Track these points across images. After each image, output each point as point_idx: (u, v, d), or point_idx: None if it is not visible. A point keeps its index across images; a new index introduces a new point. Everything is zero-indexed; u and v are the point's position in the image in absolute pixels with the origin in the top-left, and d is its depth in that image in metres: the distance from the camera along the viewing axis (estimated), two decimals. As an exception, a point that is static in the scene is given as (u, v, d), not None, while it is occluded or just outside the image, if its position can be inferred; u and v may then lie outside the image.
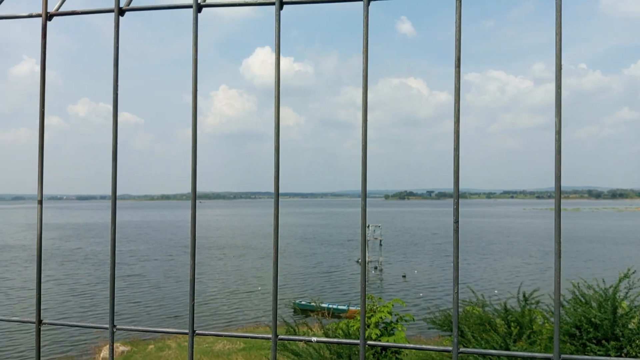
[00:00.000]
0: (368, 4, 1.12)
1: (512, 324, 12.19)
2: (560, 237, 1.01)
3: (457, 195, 1.04)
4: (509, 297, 14.26)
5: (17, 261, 63.09)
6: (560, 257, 1.01)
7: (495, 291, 41.98)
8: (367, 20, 1.09)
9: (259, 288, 47.45)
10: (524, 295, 13.29)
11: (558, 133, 1.02)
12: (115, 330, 1.24)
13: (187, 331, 1.20)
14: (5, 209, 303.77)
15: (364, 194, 1.09)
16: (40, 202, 1.30)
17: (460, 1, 1.06)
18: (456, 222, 1.04)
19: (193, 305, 1.18)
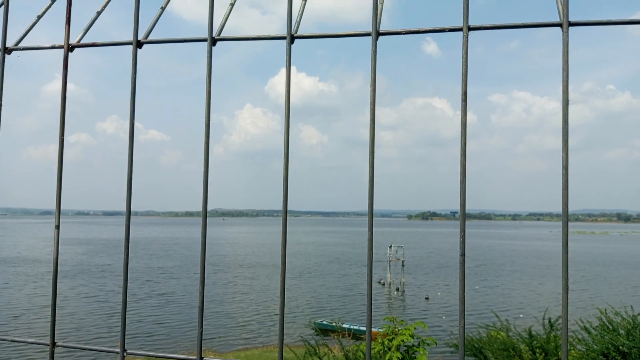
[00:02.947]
0: (377, 39, 1.14)
1: (537, 350, 11.91)
2: (567, 273, 1.00)
3: (463, 227, 1.04)
4: (534, 324, 13.94)
5: (49, 277, 63.79)
6: (567, 292, 1.00)
7: (520, 315, 41.05)
8: (376, 54, 1.11)
9: (279, 307, 47.30)
10: (549, 321, 12.98)
11: (565, 168, 1.02)
12: (125, 354, 1.26)
13: (195, 357, 1.22)
14: (34, 223, 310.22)
15: (371, 224, 1.11)
16: (57, 227, 1.34)
17: (467, 37, 1.08)
18: (462, 255, 1.04)
19: (201, 332, 1.20)
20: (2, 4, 1.67)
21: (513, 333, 13.68)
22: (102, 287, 56.80)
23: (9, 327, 37.82)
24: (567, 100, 1.07)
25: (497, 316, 15.49)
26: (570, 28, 1.17)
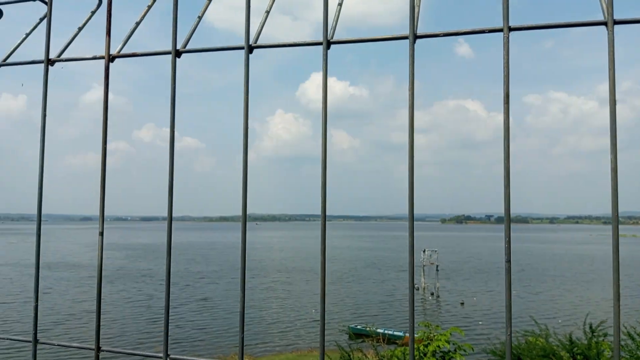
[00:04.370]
0: (414, 42, 1.13)
1: (578, 357, 11.57)
2: (618, 280, 0.96)
3: (508, 233, 1.02)
4: (574, 330, 13.55)
5: (94, 281, 64.78)
6: (619, 300, 0.96)
7: (559, 320, 39.96)
8: (413, 58, 1.10)
9: (313, 311, 47.41)
10: (590, 327, 12.58)
11: (614, 170, 0.98)
12: (168, 359, 1.28)
13: (235, 364, 1.22)
14: (75, 229, 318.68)
15: (411, 229, 1.09)
16: (101, 234, 1.37)
17: (508, 38, 1.05)
18: (508, 261, 1.01)
19: (242, 338, 1.21)
20: (45, 16, 1.73)
21: (553, 339, 13.34)
22: (142, 292, 57.82)
23: (53, 332, 38.85)
24: (615, 101, 1.03)
25: (535, 322, 15.11)
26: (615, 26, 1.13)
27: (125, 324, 42.18)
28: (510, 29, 1.11)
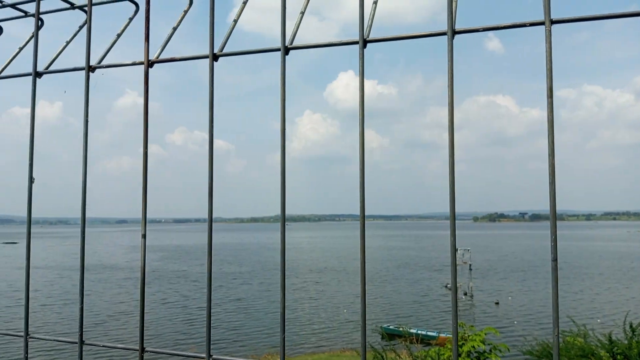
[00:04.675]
0: (452, 38, 1.11)
1: (619, 357, 11.25)
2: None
3: (554, 231, 0.99)
4: (614, 329, 13.16)
5: (130, 283, 66.44)
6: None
7: (598, 320, 38.93)
8: (452, 54, 1.08)
9: (345, 311, 47.41)
10: (630, 326, 12.21)
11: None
12: (211, 359, 1.29)
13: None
14: (111, 231, 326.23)
15: (453, 230, 1.07)
16: (144, 237, 1.39)
17: (550, 31, 1.02)
18: (554, 260, 0.99)
19: (284, 338, 1.21)
20: (84, 24, 1.77)
21: (592, 339, 13.02)
22: (178, 293, 58.73)
23: (93, 334, 39.74)
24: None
25: (573, 321, 14.76)
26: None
27: (162, 324, 42.92)
28: (552, 22, 1.08)
